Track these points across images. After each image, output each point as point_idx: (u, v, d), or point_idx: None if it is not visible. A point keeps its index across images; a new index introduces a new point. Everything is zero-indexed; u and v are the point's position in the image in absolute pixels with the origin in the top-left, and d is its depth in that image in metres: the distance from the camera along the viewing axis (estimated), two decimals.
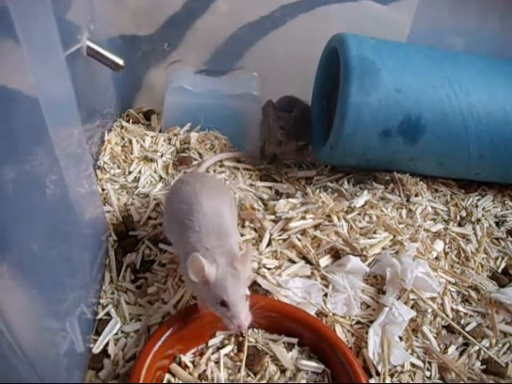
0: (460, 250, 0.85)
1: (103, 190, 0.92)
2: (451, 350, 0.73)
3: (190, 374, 0.67)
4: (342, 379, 0.67)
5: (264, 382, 0.67)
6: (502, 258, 0.86)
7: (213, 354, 0.70)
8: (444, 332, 0.75)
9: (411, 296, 0.76)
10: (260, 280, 0.75)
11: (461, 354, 0.73)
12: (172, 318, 0.69)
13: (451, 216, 0.93)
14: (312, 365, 0.69)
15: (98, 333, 0.71)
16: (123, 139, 1.06)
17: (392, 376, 0.69)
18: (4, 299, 0.47)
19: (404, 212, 0.90)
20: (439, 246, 0.84)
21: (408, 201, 0.93)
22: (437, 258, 0.83)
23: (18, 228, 0.50)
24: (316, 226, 0.84)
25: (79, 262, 0.71)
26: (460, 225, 0.91)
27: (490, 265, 0.84)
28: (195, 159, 1.01)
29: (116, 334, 0.71)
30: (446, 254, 0.84)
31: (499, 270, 0.84)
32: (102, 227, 0.83)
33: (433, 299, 0.77)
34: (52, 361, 0.60)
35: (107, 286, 0.76)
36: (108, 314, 0.73)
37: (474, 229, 0.91)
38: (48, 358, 0.59)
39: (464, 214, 0.94)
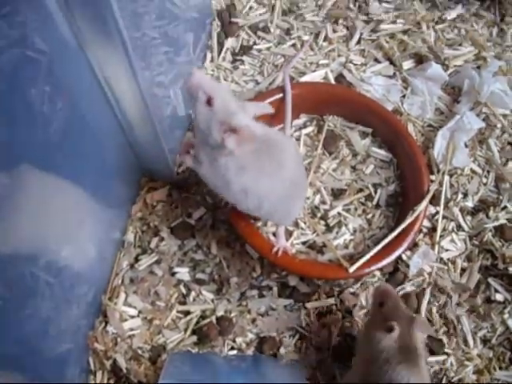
0: None
1: None
2: (511, 164, 0.80)
3: None
4: (406, 170, 0.75)
5: (337, 161, 0.77)
6: None
7: (295, 132, 0.78)
8: (508, 148, 0.81)
9: (484, 110, 0.80)
10: (346, 73, 0.80)
11: None
12: (261, 94, 0.76)
13: None
14: (381, 153, 0.77)
15: None
16: None
17: (451, 176, 0.78)
18: None
19: (495, 31, 0.90)
20: None
21: (502, 20, 0.92)
22: None
23: None
24: (405, 32, 0.86)
25: (184, 42, 0.77)
26: None
27: None
28: None
29: None
30: None
31: None
32: (206, 12, 0.87)
33: (504, 116, 0.81)
34: (161, 121, 0.70)
35: (208, 64, 0.83)
36: None
37: None
38: (158, 118, 0.68)
39: None
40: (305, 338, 0.71)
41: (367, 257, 0.68)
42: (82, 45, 0.53)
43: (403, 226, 0.70)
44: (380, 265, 0.69)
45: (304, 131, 0.78)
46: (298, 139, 0.77)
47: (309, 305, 0.72)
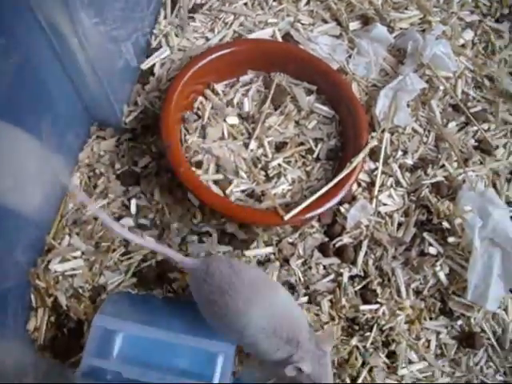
0: (489, 44, 0.89)
1: None
2: (451, 125, 0.82)
3: (220, 99, 0.79)
4: (347, 126, 0.78)
5: (282, 117, 0.79)
6: None
7: (242, 87, 0.81)
8: (450, 109, 0.83)
9: (427, 72, 0.83)
10: (293, 32, 0.83)
11: (459, 131, 0.82)
12: (209, 49, 0.78)
13: (491, 11, 0.94)
14: (325, 109, 0.79)
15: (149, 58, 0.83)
16: None
17: (392, 134, 0.80)
18: None
19: None
20: (468, 35, 0.88)
21: None
22: (463, 46, 0.87)
23: None
24: None
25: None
26: (497, 21, 0.93)
27: None
28: None
29: (164, 59, 0.82)
30: (474, 44, 0.89)
31: None
32: None
33: (447, 79, 0.83)
34: (111, 73, 0.72)
35: (161, 21, 0.85)
36: (159, 44, 0.83)
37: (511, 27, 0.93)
38: (108, 71, 0.71)
39: (506, 11, 0.95)
40: None
41: (303, 205, 0.70)
42: None
43: (339, 177, 0.72)
44: (314, 213, 0.71)
45: (253, 85, 0.80)
46: (244, 94, 0.79)
47: (248, 252, 0.74)
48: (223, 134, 0.77)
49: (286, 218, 0.69)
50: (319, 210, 0.71)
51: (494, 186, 0.80)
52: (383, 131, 0.78)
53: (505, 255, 0.75)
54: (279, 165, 0.76)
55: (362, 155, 0.73)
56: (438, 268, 0.75)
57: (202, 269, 0.62)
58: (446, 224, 0.76)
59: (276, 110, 0.79)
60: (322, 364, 0.62)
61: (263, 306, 0.61)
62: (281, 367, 0.61)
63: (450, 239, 0.75)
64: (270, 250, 0.74)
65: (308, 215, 0.71)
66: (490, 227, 0.74)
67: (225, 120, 0.77)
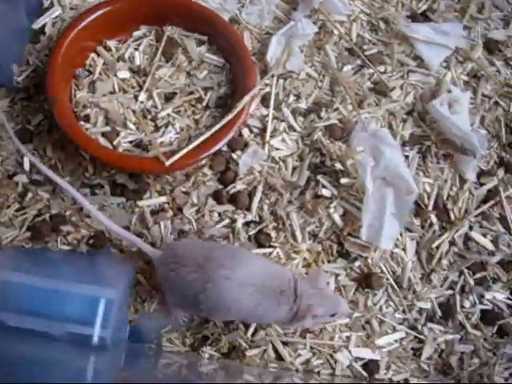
0: None
1: None
2: (347, 68, 0.82)
3: (112, 55, 0.80)
4: (237, 74, 0.78)
5: (173, 68, 0.79)
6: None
7: (134, 41, 0.81)
8: (346, 53, 0.83)
9: (321, 17, 0.82)
10: None
11: (355, 73, 0.82)
12: (96, 6, 0.78)
13: None
14: (215, 58, 0.79)
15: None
16: None
17: (285, 79, 0.80)
18: None
19: None
20: None
21: None
22: None
23: None
24: None
25: None
26: None
27: (411, 5, 0.88)
28: None
29: (55, 18, 0.83)
30: None
31: (419, 11, 0.88)
32: None
33: (342, 23, 0.83)
34: (1, 34, 0.73)
35: None
36: (51, 3, 0.84)
37: None
38: None
39: None
40: (141, 236, 0.75)
41: (184, 151, 0.71)
42: None
43: (223, 121, 0.72)
44: (198, 158, 0.72)
45: (144, 40, 0.80)
46: (136, 49, 0.80)
47: (141, 203, 0.75)
48: (114, 88, 0.77)
49: (167, 163, 0.70)
50: (203, 155, 0.72)
51: (390, 126, 0.79)
52: (272, 76, 0.78)
53: (397, 194, 0.75)
54: (168, 115, 0.76)
55: (246, 99, 0.73)
56: (332, 210, 0.75)
57: (169, 254, 0.65)
58: (339, 166, 0.76)
59: (168, 62, 0.79)
60: (327, 297, 0.65)
61: (246, 267, 0.62)
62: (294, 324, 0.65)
63: (343, 180, 0.75)
64: (163, 199, 0.75)
65: (192, 160, 0.71)
66: (382, 166, 0.74)
67: (116, 75, 0.78)
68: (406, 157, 0.78)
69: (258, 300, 0.62)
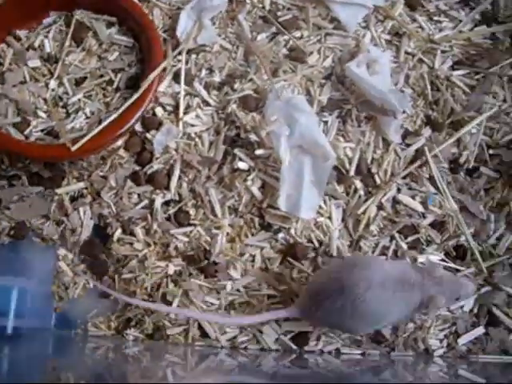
0: None
1: None
2: (261, 36, 0.79)
3: (22, 44, 0.79)
4: (146, 53, 0.76)
5: (84, 53, 0.78)
6: None
7: (44, 29, 0.80)
8: (260, 21, 0.80)
9: None
10: None
11: (270, 41, 0.79)
12: None
13: None
14: (125, 39, 0.78)
15: None
16: None
17: (198, 54, 0.78)
18: None
19: None
20: None
21: None
22: None
23: None
24: None
25: None
26: None
27: None
28: None
29: None
30: None
31: None
32: None
33: None
34: None
35: None
36: None
37: None
38: None
39: None
40: (61, 223, 0.75)
41: (90, 135, 0.70)
42: None
43: (129, 102, 0.71)
44: (105, 141, 0.71)
45: (53, 27, 0.79)
46: (46, 36, 0.79)
47: (59, 190, 0.74)
48: (25, 77, 0.77)
49: (73, 148, 0.69)
50: (111, 137, 0.71)
51: (309, 92, 0.77)
52: (181, 52, 0.76)
53: (314, 161, 0.73)
54: (79, 100, 0.75)
55: (151, 77, 0.72)
56: (249, 183, 0.74)
57: (307, 303, 0.66)
58: (254, 137, 0.74)
59: (78, 47, 0.78)
60: (447, 284, 0.65)
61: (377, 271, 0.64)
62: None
63: (259, 152, 0.73)
64: (81, 185, 0.75)
65: (101, 143, 0.71)
66: (297, 134, 0.72)
67: (26, 64, 0.77)
68: (326, 122, 0.76)
69: (400, 299, 0.64)
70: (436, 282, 0.65)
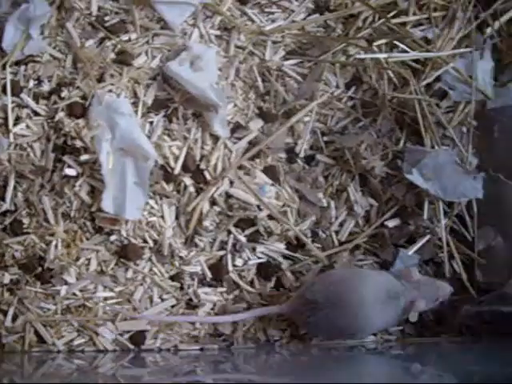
0: None
1: None
2: (89, 43, 0.79)
3: None
4: None
5: None
6: None
7: None
8: (89, 28, 0.81)
9: None
10: None
11: (98, 47, 0.80)
12: None
13: None
14: None
15: None
16: None
17: (27, 65, 0.79)
18: None
19: None
20: None
21: None
22: None
23: None
24: None
25: None
26: None
27: None
28: None
29: None
30: None
31: None
32: None
33: None
34: None
35: None
36: None
37: None
38: None
39: None
40: None
41: None
42: None
43: None
44: None
45: None
46: None
47: None
48: None
49: None
50: None
51: (135, 94, 0.78)
52: (5, 64, 0.77)
53: (136, 162, 0.74)
54: None
55: None
56: (77, 188, 0.75)
57: (300, 302, 0.69)
58: (79, 143, 0.75)
59: None
60: (425, 287, 0.68)
61: (366, 284, 0.68)
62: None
63: (83, 157, 0.74)
64: None
65: None
66: (118, 137, 0.74)
67: None
68: (151, 123, 0.77)
69: (390, 308, 0.67)
70: (414, 287, 0.68)
